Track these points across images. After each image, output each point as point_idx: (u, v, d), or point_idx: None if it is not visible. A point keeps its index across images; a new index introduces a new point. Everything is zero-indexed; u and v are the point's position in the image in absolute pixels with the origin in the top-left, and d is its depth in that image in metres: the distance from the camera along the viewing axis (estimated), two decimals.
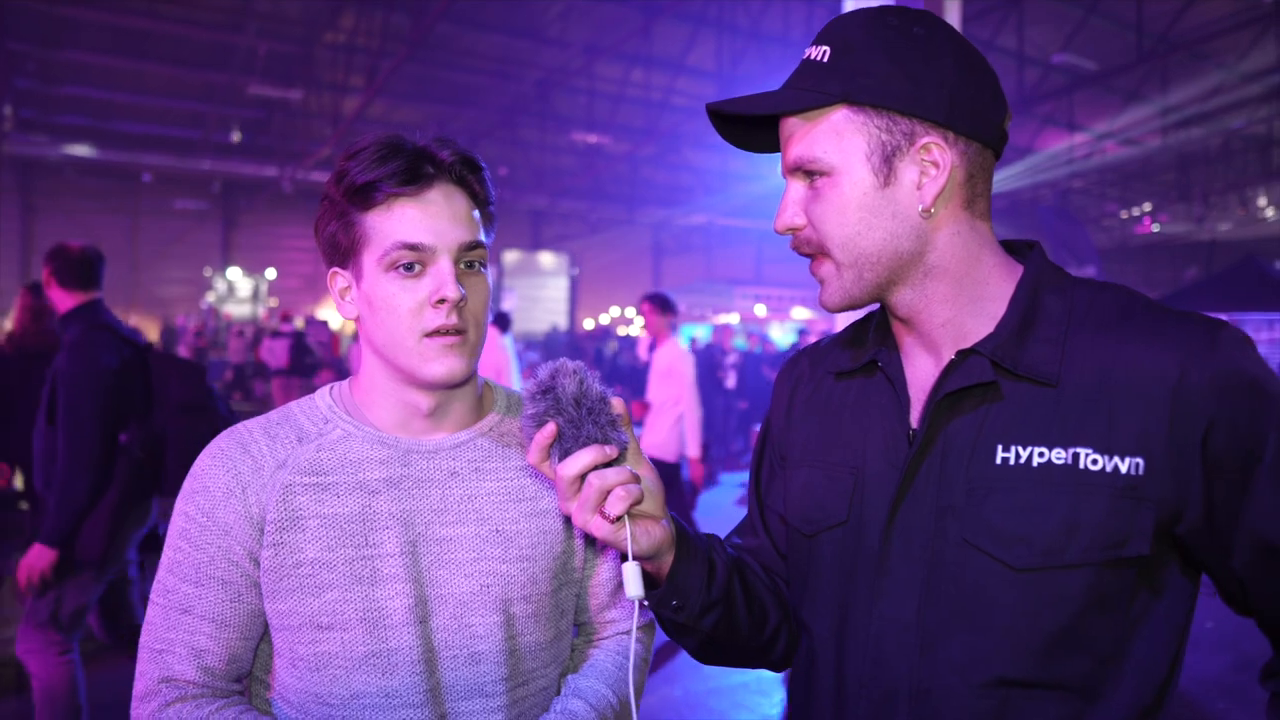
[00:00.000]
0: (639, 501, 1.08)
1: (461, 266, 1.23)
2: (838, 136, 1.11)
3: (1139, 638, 1.08)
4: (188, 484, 1.27)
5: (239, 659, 1.25)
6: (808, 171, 1.14)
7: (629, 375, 16.29)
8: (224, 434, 1.30)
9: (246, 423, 1.31)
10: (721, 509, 8.91)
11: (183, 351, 8.25)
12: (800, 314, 25.48)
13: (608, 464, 1.07)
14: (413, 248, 1.19)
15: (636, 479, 1.08)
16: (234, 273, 25.45)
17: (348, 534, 1.21)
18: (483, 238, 1.28)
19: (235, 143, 22.49)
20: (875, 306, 1.25)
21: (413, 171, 1.20)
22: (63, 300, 3.44)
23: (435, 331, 1.19)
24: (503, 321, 8.29)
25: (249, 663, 1.28)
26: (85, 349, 3.27)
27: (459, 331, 1.21)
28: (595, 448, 1.06)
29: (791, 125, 1.15)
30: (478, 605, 1.25)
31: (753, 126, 1.23)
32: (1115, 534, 1.04)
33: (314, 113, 19.16)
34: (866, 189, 1.10)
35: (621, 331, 24.25)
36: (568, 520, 1.35)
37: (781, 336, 21.40)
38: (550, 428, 1.07)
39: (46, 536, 3.18)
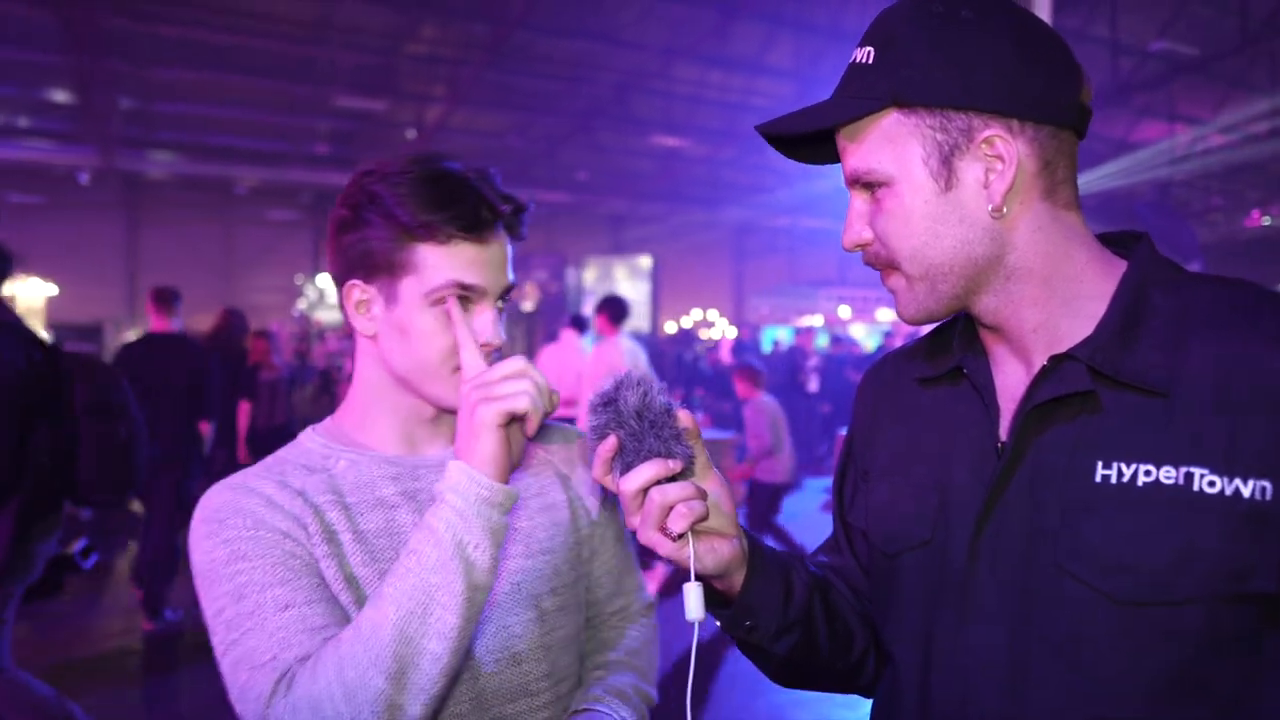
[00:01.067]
0: (704, 518, 1.04)
1: (498, 305, 1.29)
2: (891, 143, 1.03)
3: (1269, 684, 0.94)
4: (205, 527, 1.19)
5: None
6: (867, 184, 1.07)
7: (712, 379, 16.19)
8: (218, 485, 1.23)
9: (237, 474, 1.25)
10: (806, 515, 8.72)
11: (283, 356, 8.25)
12: (885, 315, 25.01)
13: (671, 478, 1.04)
14: (466, 288, 1.23)
15: (702, 494, 1.04)
16: (324, 279, 26.08)
17: (379, 549, 1.22)
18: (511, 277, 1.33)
19: (323, 154, 23.07)
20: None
21: (476, 218, 1.23)
22: None
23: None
24: (580, 324, 8.21)
25: None
26: None
27: None
28: (657, 462, 1.03)
29: (845, 136, 1.08)
30: (511, 605, 1.26)
31: (812, 141, 1.14)
32: (1236, 566, 0.91)
33: (398, 123, 19.53)
34: (928, 195, 1.03)
35: (703, 335, 24.13)
36: (573, 511, 1.38)
37: (866, 338, 21.02)
38: (611, 441, 1.05)
39: None
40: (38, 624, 5.48)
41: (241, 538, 1.15)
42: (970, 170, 1.01)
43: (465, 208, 1.22)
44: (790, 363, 12.39)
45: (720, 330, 28.49)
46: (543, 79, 19.54)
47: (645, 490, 1.02)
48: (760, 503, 6.74)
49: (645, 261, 17.98)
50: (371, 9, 15.15)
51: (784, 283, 35.38)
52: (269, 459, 1.29)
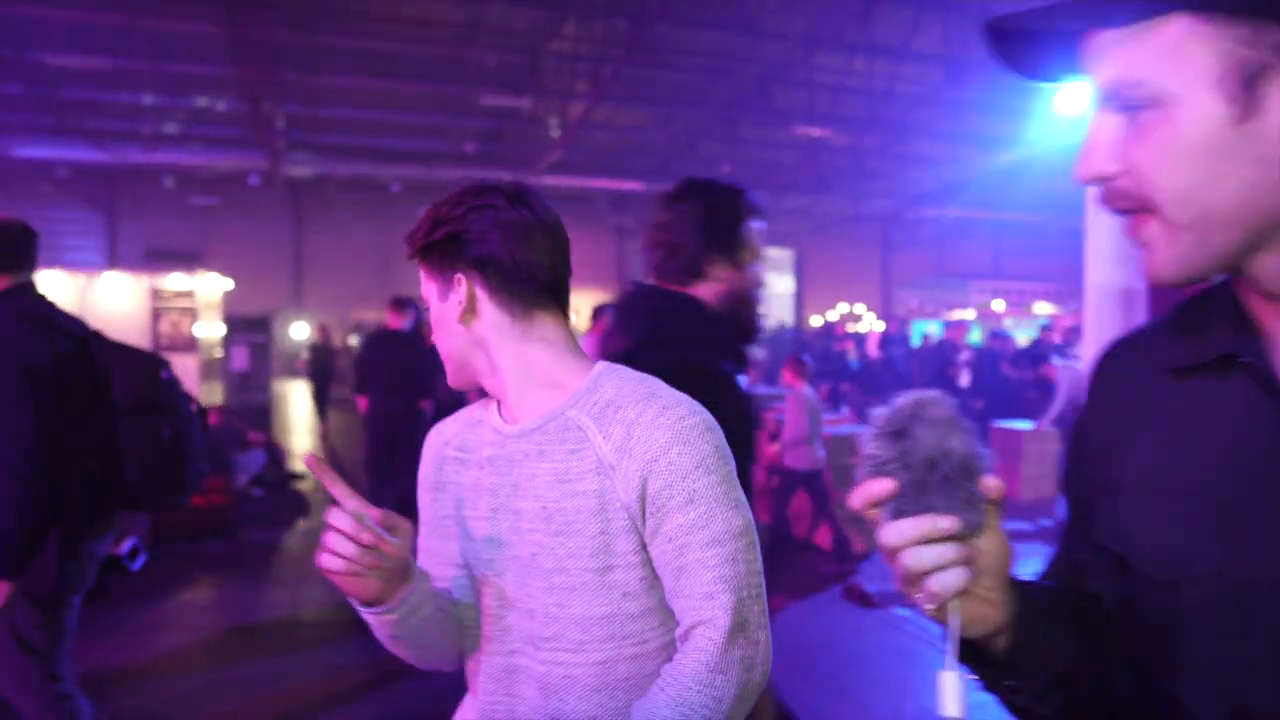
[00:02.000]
0: (963, 590, 0.88)
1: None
2: (1175, 54, 0.83)
3: None
4: None
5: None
6: (1128, 102, 0.86)
7: (859, 374, 15.83)
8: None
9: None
10: None
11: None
12: (1043, 309, 23.81)
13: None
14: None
15: (971, 559, 0.87)
16: None
17: (466, 500, 1.47)
18: None
19: (471, 152, 23.76)
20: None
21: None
22: None
23: None
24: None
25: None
26: (9, 343, 2.79)
27: None
28: (926, 521, 0.85)
29: (1105, 41, 0.88)
30: (531, 570, 1.38)
31: (1040, 45, 0.93)
32: None
33: (542, 119, 19.89)
34: (1216, 124, 0.82)
35: (851, 329, 23.60)
36: (602, 502, 1.34)
37: (1019, 332, 20.08)
38: (885, 486, 0.87)
39: None
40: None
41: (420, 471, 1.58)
42: (1278, 99, 0.81)
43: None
44: (940, 357, 11.93)
45: (867, 324, 27.86)
46: (684, 72, 19.51)
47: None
48: (788, 489, 6.91)
49: (785, 255, 17.65)
50: (516, 9, 15.48)
51: (933, 275, 34.28)
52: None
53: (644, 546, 1.35)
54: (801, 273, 17.76)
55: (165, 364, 3.13)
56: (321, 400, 14.19)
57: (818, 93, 18.89)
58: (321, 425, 14.10)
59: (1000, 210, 29.06)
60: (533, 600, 1.38)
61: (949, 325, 12.73)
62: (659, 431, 1.30)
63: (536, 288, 1.42)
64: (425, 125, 22.84)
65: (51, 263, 17.21)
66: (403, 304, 7.26)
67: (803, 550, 6.83)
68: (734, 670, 1.27)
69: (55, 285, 15.00)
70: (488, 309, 1.42)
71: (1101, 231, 6.92)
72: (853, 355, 17.12)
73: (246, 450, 9.11)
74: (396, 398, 6.81)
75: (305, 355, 13.61)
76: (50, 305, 2.95)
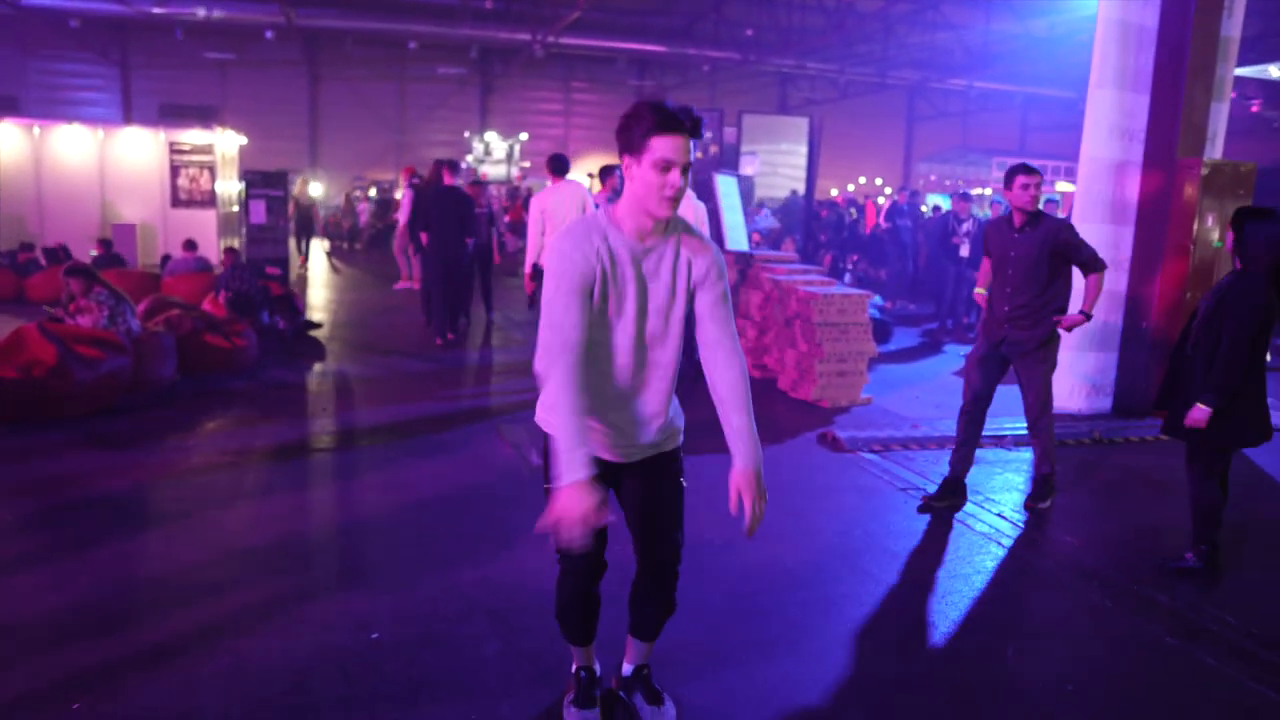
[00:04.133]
0: None
1: (686, 168, 2.28)
2: None
3: None
4: (550, 255, 2.40)
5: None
6: None
7: (869, 244, 15.85)
8: (570, 226, 2.42)
9: (577, 222, 2.44)
10: (939, 378, 8.67)
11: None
12: (1064, 187, 23.45)
13: None
14: (668, 161, 2.24)
15: None
16: (491, 136, 26.69)
17: (617, 276, 2.35)
18: (692, 158, 2.30)
19: (490, 9, 23.21)
20: None
21: (675, 125, 2.24)
22: None
23: (666, 199, 2.27)
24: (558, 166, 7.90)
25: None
26: None
27: (675, 201, 2.29)
28: None
29: None
30: (659, 312, 2.42)
31: None
32: None
33: None
34: None
35: (865, 200, 23.40)
36: (674, 278, 2.41)
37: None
38: None
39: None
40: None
41: (557, 263, 2.32)
42: None
43: (670, 118, 2.23)
44: (943, 227, 11.96)
45: (876, 196, 27.55)
46: None
47: None
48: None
49: (800, 123, 17.42)
50: None
51: (956, 150, 33.64)
52: (583, 220, 2.43)
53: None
54: (821, 143, 17.49)
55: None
56: (303, 244, 17.50)
57: None
58: (301, 259, 17.06)
59: (1029, 84, 28.30)
60: (656, 328, 2.42)
61: (954, 196, 12.65)
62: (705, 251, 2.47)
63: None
64: None
65: (69, 117, 17.28)
66: (455, 166, 9.67)
67: (784, 401, 7.15)
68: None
69: (75, 140, 15.16)
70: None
71: (1101, 107, 6.97)
72: (855, 223, 17.09)
73: (269, 299, 9.43)
74: (449, 235, 9.26)
75: (290, 210, 14.94)
76: None
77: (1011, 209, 4.79)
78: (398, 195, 20.10)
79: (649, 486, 2.58)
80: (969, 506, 4.95)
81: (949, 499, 4.94)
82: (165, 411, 6.39)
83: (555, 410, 2.23)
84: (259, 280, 9.73)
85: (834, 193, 27.38)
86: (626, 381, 2.43)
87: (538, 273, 7.10)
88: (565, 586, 2.63)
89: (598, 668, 2.87)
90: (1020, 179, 4.65)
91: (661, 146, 2.22)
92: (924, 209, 18.04)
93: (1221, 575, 4.15)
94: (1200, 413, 3.91)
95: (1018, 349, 4.81)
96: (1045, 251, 4.67)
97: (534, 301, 7.19)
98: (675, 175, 2.23)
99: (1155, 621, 3.71)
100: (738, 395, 2.39)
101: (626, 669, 2.89)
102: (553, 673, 3.05)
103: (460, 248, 9.40)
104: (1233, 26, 6.98)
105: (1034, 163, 5.02)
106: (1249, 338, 3.83)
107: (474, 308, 10.58)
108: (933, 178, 32.39)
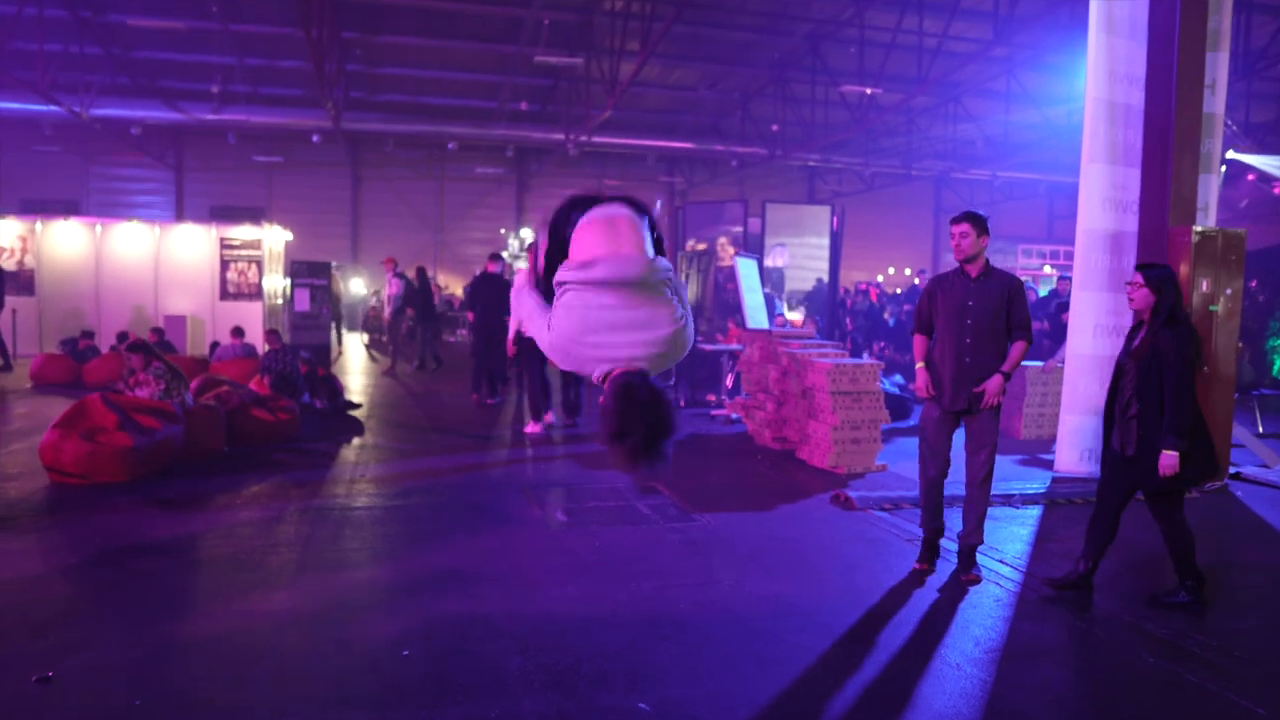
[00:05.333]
0: None
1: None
2: None
3: None
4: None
5: None
6: None
7: (893, 331, 16.19)
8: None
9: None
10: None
11: None
12: None
13: None
14: None
15: None
16: (526, 232, 27.59)
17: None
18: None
19: (525, 110, 24.30)
20: None
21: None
22: None
23: None
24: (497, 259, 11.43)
25: None
26: None
27: None
28: None
29: None
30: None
31: None
32: None
33: (594, 78, 20.38)
34: None
35: (891, 290, 23.82)
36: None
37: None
38: None
39: None
40: None
41: None
42: None
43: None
44: None
45: (886, 283, 27.92)
46: (735, 30, 19.80)
47: None
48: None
49: (823, 212, 17.97)
50: None
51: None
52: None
53: None
54: (845, 232, 18.00)
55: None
56: (338, 332, 18.86)
57: (868, 50, 19.04)
58: (338, 346, 18.32)
59: (1054, 172, 28.85)
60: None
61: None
62: None
63: None
64: (481, 84, 23.44)
65: (127, 218, 18.28)
66: (497, 257, 11.53)
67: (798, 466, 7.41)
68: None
69: (133, 236, 16.08)
70: None
71: (1093, 181, 7.36)
72: (887, 313, 17.49)
73: (313, 381, 9.93)
74: (492, 314, 10.85)
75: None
76: None
77: (960, 264, 4.77)
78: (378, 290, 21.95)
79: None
80: (981, 558, 5.16)
81: (930, 561, 4.95)
82: (215, 476, 6.80)
83: None
84: (300, 364, 10.27)
85: (879, 279, 27.90)
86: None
87: (519, 338, 8.79)
88: None
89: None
90: (954, 229, 4.70)
91: None
92: None
93: (1208, 608, 4.35)
94: (1170, 458, 4.17)
95: (976, 403, 4.73)
96: (1004, 301, 4.68)
97: (515, 361, 9.88)
98: None
99: (1139, 643, 3.90)
100: None
101: None
102: (564, 681, 3.33)
103: (500, 324, 10.70)
104: (1216, 104, 7.39)
105: (1061, 248, 5.40)
106: (1190, 380, 4.19)
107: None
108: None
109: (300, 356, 10.24)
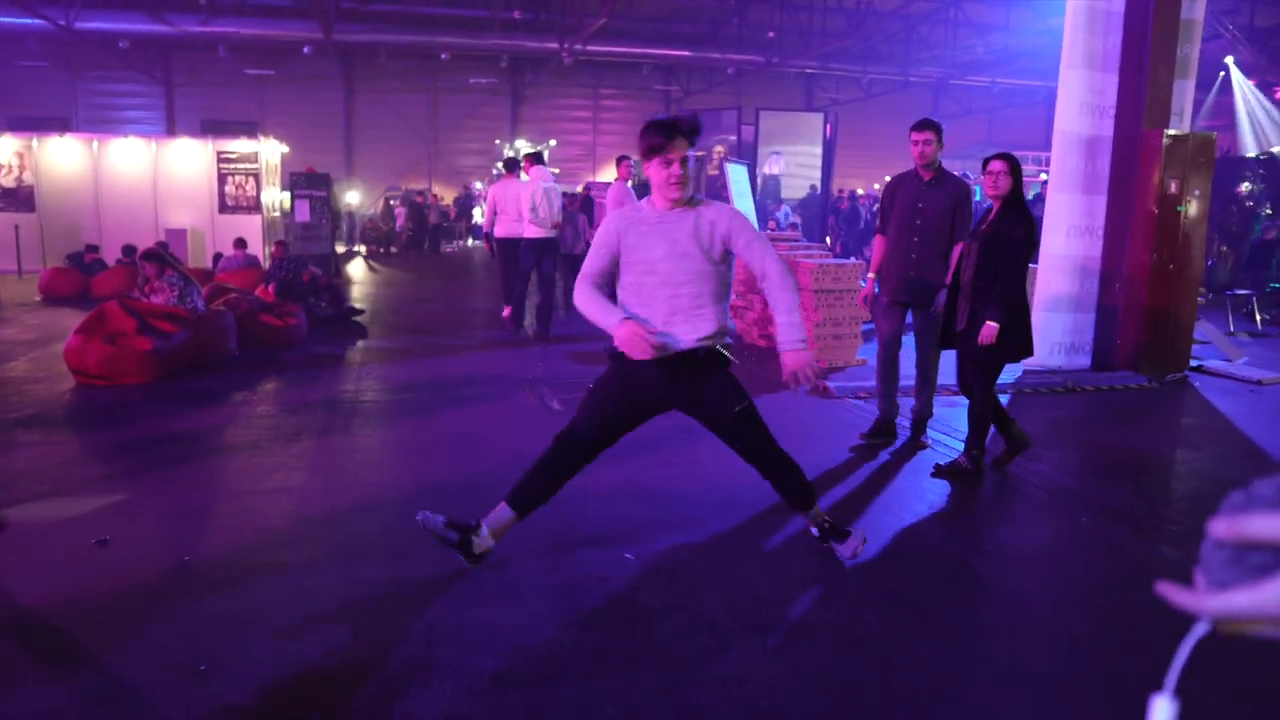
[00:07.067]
0: None
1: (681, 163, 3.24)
2: None
3: None
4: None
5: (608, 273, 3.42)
6: None
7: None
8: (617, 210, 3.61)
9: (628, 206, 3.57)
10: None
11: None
12: None
13: None
14: (669, 160, 3.21)
15: None
16: (521, 143, 27.55)
17: (642, 234, 3.32)
18: (690, 154, 3.28)
19: (518, 19, 24.05)
20: None
21: (672, 134, 3.19)
22: None
23: (672, 185, 3.24)
24: (512, 166, 10.08)
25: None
26: None
27: (681, 185, 3.27)
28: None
29: None
30: (676, 258, 3.27)
31: None
32: None
33: None
34: None
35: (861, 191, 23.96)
36: (694, 245, 3.26)
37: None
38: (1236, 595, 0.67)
39: None
40: None
41: (598, 233, 3.45)
42: None
43: (667, 132, 3.18)
44: None
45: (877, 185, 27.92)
46: None
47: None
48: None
49: (816, 119, 18.06)
50: None
51: (981, 146, 33.93)
52: (630, 205, 3.65)
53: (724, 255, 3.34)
54: (838, 139, 18.13)
55: None
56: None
57: None
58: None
59: (1053, 79, 28.56)
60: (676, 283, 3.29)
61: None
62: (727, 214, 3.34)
63: None
64: None
65: (118, 134, 18.32)
66: (539, 157, 9.94)
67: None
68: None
69: (129, 152, 16.19)
70: None
71: (1071, 86, 7.56)
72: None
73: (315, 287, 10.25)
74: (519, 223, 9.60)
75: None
76: None
77: (916, 166, 5.18)
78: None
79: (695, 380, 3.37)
80: (933, 433, 5.57)
81: (881, 437, 5.48)
82: (229, 376, 7.19)
83: (585, 306, 3.31)
84: (304, 272, 10.57)
85: (860, 191, 27.94)
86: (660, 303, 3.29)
87: (489, 239, 9.92)
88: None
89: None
90: (914, 135, 5.13)
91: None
92: None
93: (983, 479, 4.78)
94: (990, 329, 4.50)
95: (921, 299, 5.17)
96: (950, 205, 5.08)
97: (492, 254, 10.14)
98: (675, 169, 3.20)
99: (1070, 505, 4.33)
100: (778, 302, 3.27)
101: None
102: (561, 542, 3.76)
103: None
104: (1195, 9, 7.55)
105: None
106: (1024, 260, 4.54)
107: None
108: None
109: (308, 267, 10.54)
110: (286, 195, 15.02)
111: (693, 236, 3.24)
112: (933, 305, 5.13)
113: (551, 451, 3.39)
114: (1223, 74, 20.22)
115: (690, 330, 3.24)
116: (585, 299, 3.32)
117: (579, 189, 19.85)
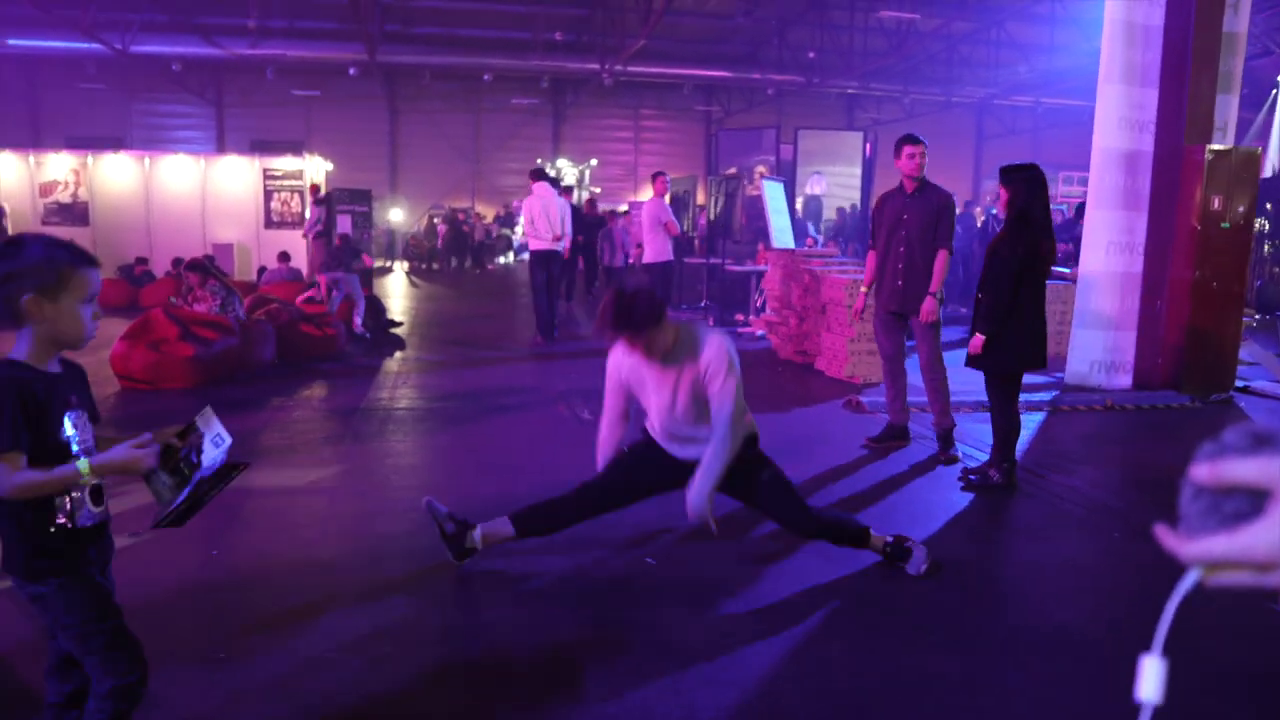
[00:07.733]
0: None
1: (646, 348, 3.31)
2: None
3: None
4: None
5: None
6: None
7: None
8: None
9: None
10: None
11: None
12: None
13: None
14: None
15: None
16: (563, 162, 27.78)
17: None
18: (648, 330, 3.27)
19: (560, 41, 24.32)
20: None
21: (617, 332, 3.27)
22: None
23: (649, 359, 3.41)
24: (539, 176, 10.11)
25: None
26: None
27: (652, 355, 3.37)
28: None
29: None
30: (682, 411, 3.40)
31: None
32: None
33: (629, 6, 20.35)
34: None
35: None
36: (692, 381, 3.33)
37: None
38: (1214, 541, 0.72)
39: None
40: None
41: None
42: None
43: (616, 335, 3.31)
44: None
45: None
46: None
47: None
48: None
49: (855, 139, 18.02)
50: None
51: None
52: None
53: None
54: (877, 157, 18.02)
55: None
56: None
57: None
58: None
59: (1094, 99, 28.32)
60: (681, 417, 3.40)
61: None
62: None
63: None
64: (515, 15, 23.48)
65: (173, 150, 18.78)
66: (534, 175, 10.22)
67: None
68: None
69: (179, 169, 16.60)
70: None
71: (1109, 100, 7.48)
72: None
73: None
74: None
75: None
76: None
77: (902, 178, 5.36)
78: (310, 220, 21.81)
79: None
80: (963, 447, 5.51)
81: (888, 442, 5.57)
82: (268, 383, 7.32)
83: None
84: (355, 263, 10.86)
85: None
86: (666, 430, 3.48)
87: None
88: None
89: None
90: (906, 149, 5.31)
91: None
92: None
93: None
94: (975, 341, 4.57)
95: (913, 306, 5.30)
96: (932, 214, 5.22)
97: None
98: (640, 351, 3.25)
99: (1104, 521, 4.25)
100: (710, 448, 3.28)
101: None
102: (583, 542, 3.77)
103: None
104: (1238, 23, 7.44)
105: None
106: (1011, 275, 4.47)
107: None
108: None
109: (360, 257, 10.92)
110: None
111: (689, 390, 3.32)
112: (919, 311, 5.25)
113: (569, 497, 3.49)
114: (1275, 92, 19.82)
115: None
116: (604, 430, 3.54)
117: (622, 208, 20.00)
